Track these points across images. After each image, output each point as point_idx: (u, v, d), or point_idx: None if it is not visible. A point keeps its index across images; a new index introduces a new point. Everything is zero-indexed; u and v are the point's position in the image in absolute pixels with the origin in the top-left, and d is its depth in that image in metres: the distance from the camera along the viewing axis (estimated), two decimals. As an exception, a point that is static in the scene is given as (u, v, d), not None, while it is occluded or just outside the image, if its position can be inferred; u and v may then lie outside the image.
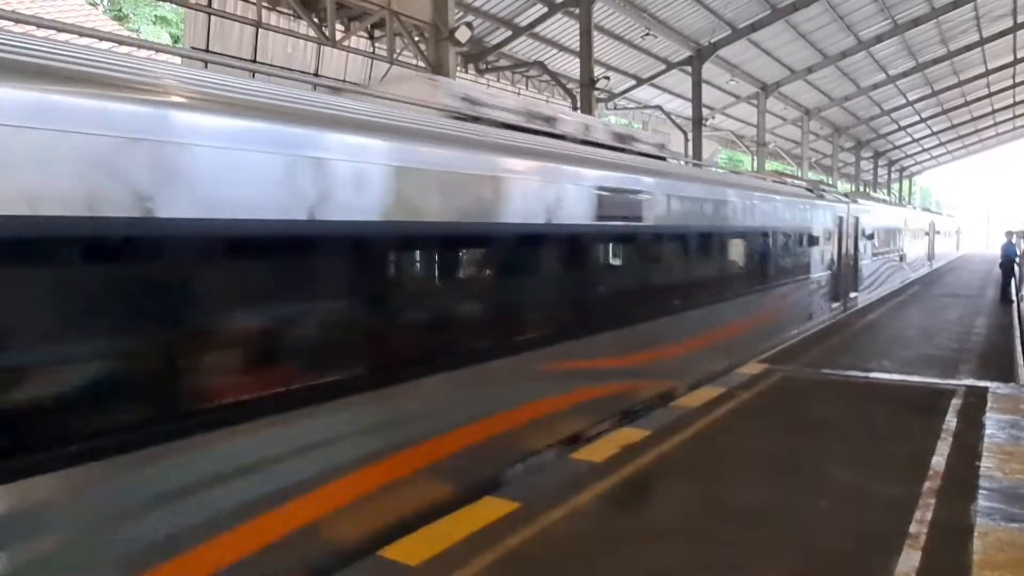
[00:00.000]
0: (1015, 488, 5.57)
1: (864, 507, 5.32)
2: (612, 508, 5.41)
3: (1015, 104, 43.38)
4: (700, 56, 22.52)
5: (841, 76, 29.93)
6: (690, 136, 23.26)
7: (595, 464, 6.27)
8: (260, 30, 14.60)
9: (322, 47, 15.41)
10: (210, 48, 14.10)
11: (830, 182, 35.00)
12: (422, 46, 13.20)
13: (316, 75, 16.88)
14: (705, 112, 24.40)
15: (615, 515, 5.27)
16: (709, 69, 23.46)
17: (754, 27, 21.93)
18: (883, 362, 11.14)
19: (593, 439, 7.07)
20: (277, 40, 15.41)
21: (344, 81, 16.79)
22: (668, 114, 24.71)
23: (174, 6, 18.41)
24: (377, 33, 15.04)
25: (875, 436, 7.17)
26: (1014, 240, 21.95)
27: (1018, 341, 13.04)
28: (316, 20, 12.75)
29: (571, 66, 20.80)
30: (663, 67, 23.70)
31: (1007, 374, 10.21)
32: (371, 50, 15.59)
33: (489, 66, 20.19)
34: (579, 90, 17.16)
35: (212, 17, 13.44)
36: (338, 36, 13.02)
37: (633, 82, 24.38)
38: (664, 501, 5.59)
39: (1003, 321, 16.15)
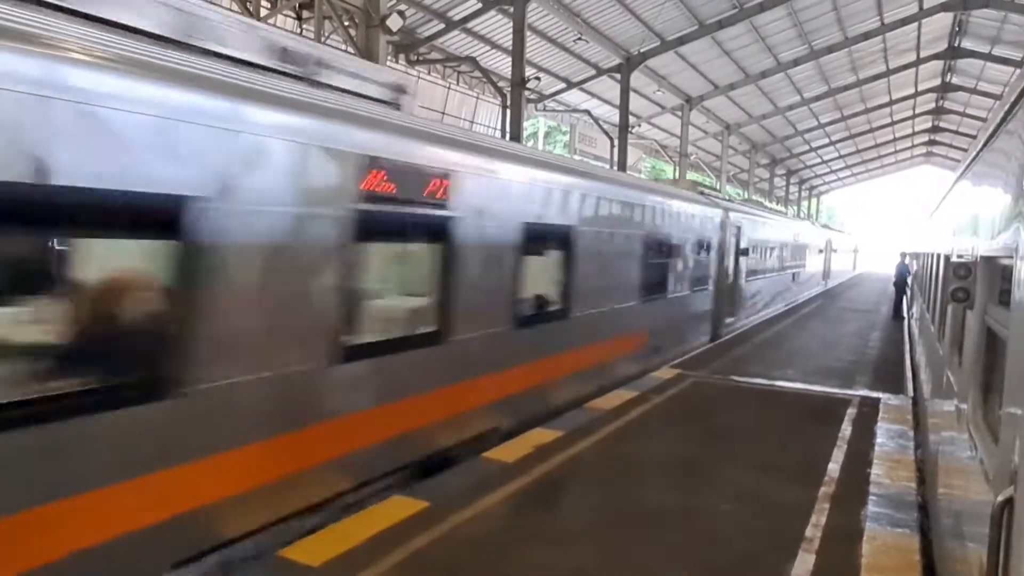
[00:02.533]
0: (901, 495, 5.90)
1: (765, 511, 5.51)
2: (521, 509, 5.39)
3: (914, 134, 46.44)
4: (629, 64, 22.93)
5: (760, 95, 31.17)
6: (616, 142, 23.66)
7: (507, 464, 6.25)
8: (179, -1, 13.89)
9: (246, 23, 14.79)
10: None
11: (715, 185, 32.40)
12: (352, 31, 12.86)
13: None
14: (632, 120, 24.87)
15: (524, 516, 5.25)
16: (637, 78, 23.93)
17: (682, 41, 22.53)
18: (787, 371, 11.64)
19: (507, 440, 7.03)
20: (197, 12, 14.68)
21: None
22: (596, 119, 25.07)
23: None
24: (305, 14, 14.56)
25: (777, 442, 7.45)
26: (907, 261, 23.20)
27: (907, 356, 13.88)
28: (240, -6, 12.22)
29: (503, 64, 20.76)
30: (593, 72, 24.00)
31: (898, 386, 10.84)
32: (298, 31, 15.09)
33: (420, 58, 19.91)
34: (510, 89, 17.14)
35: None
36: (263, 13, 12.51)
37: (563, 85, 24.59)
38: (573, 503, 5.62)
39: (895, 336, 17.20)
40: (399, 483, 5.80)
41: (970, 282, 3.66)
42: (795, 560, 4.66)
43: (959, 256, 4.56)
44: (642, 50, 22.64)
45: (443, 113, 23.10)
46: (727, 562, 4.65)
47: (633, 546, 4.81)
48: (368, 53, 12.52)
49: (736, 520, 5.33)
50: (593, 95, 26.54)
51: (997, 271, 3.17)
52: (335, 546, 4.53)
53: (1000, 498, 2.02)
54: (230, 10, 12.30)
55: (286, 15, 14.73)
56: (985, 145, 3.81)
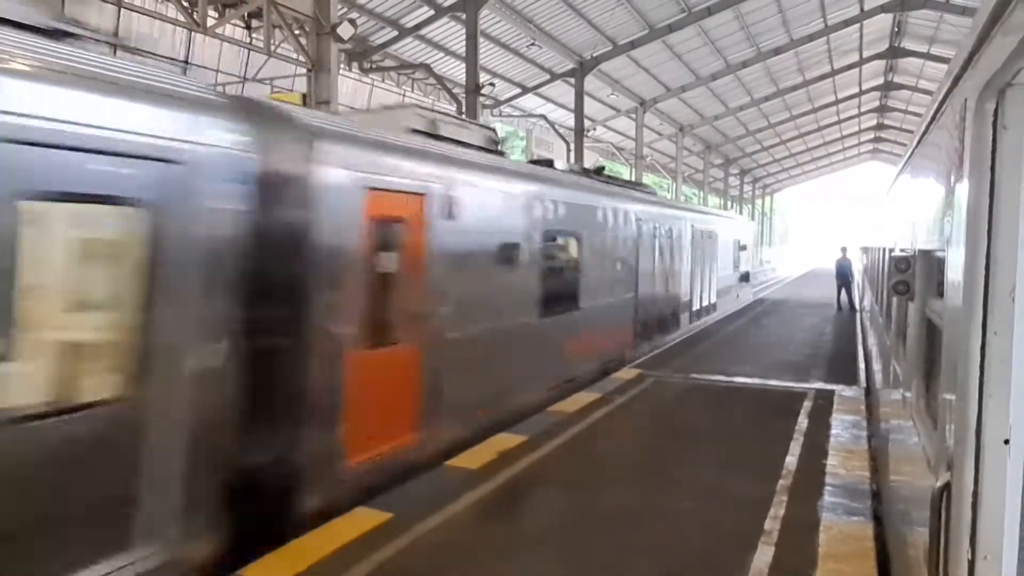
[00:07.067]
0: (855, 484, 6.05)
1: (726, 507, 5.60)
2: (486, 516, 5.38)
3: (860, 131, 47.85)
4: (583, 69, 23.17)
5: (712, 97, 31.78)
6: (572, 146, 23.85)
7: (471, 471, 6.23)
8: (123, 8, 13.58)
9: (193, 33, 14.53)
10: (64, 25, 12.93)
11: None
12: (302, 40, 12.72)
13: (186, 62, 15.90)
14: (587, 123, 25.13)
15: (489, 523, 5.24)
16: (591, 82, 24.19)
17: (633, 44, 22.86)
18: (745, 367, 11.86)
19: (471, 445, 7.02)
20: (143, 21, 14.37)
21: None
22: (552, 123, 25.24)
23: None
24: (255, 23, 14.35)
25: (737, 438, 7.58)
26: (860, 256, 23.34)
27: (860, 348, 14.25)
28: (185, 3, 11.97)
29: (457, 70, 20.78)
30: (547, 77, 24.18)
31: (851, 377, 11.13)
32: (248, 40, 14.86)
33: (374, 65, 19.80)
34: (465, 95, 17.15)
35: (66, -10, 12.33)
36: (211, 23, 12.29)
37: (518, 90, 24.72)
38: (538, 508, 5.62)
39: (848, 328, 17.66)
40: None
41: (910, 275, 3.78)
42: (755, 553, 4.74)
43: (901, 250, 4.71)
44: (595, 54, 22.91)
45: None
46: (690, 558, 4.72)
47: (598, 548, 4.84)
48: (319, 62, 12.40)
49: (698, 517, 5.40)
50: (548, 100, 26.74)
51: (933, 264, 3.28)
52: (298, 562, 4.46)
53: (938, 483, 2.09)
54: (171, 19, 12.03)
55: (235, 24, 14.50)
56: (919, 142, 3.95)
